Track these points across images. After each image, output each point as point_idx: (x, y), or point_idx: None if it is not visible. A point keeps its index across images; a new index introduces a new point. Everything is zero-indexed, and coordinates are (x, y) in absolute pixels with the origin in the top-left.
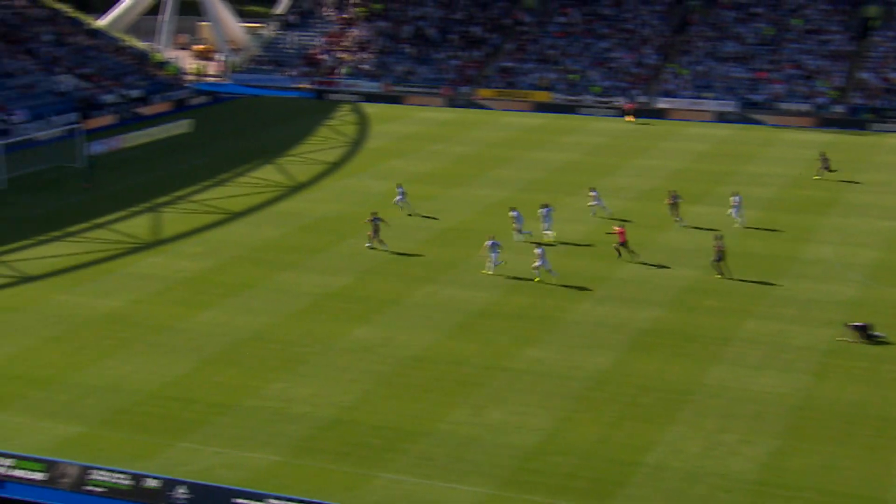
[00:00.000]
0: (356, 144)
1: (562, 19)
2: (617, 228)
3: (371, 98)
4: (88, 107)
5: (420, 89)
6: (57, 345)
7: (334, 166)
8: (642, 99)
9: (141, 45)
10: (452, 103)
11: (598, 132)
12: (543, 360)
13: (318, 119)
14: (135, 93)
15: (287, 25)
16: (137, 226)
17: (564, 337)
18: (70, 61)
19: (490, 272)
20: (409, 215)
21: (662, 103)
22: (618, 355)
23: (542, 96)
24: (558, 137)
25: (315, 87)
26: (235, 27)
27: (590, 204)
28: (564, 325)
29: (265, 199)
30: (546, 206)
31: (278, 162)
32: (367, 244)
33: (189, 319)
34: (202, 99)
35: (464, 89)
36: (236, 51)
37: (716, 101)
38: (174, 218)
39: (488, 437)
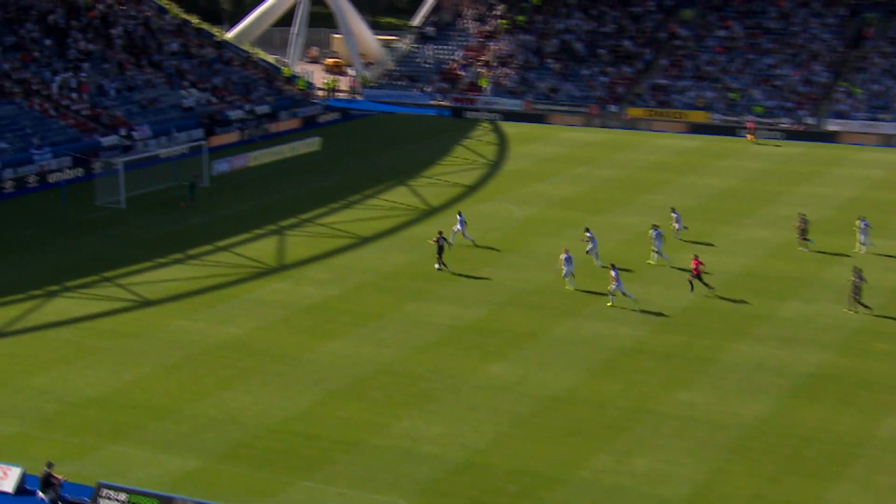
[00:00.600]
0: (494, 166)
1: (722, 33)
2: (694, 261)
3: (511, 116)
4: (214, 123)
5: (565, 108)
6: (175, 373)
7: (470, 189)
8: (810, 121)
9: (270, 58)
10: (600, 123)
11: (760, 156)
12: (695, 404)
13: (454, 138)
14: (262, 109)
15: (424, 38)
16: (261, 249)
17: (718, 380)
18: (196, 75)
19: (571, 288)
20: (475, 245)
21: (833, 125)
22: (778, 402)
23: (699, 116)
24: (715, 161)
25: (452, 104)
26: (369, 40)
27: (673, 226)
28: (718, 367)
29: (396, 223)
30: (656, 227)
31: (411, 184)
32: (437, 266)
33: (313, 349)
34: (332, 116)
35: (612, 108)
36: (369, 65)
37: (893, 124)
38: (300, 241)
39: (633, 487)
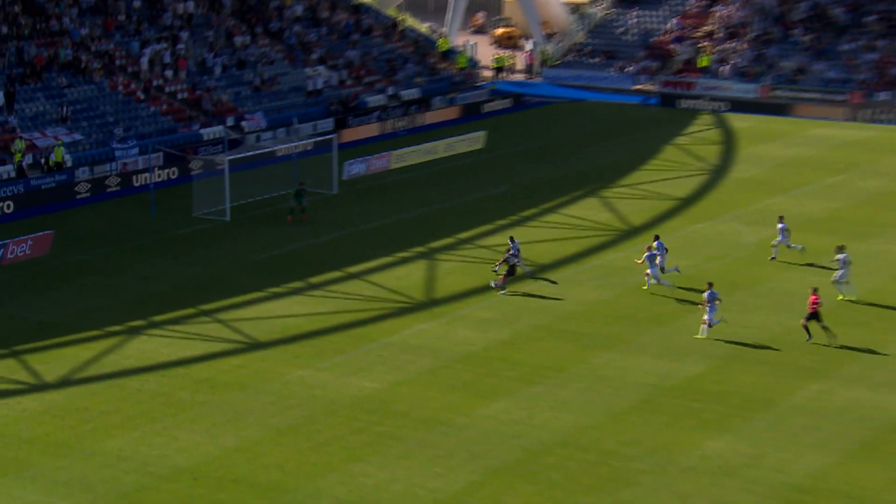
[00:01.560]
0: (717, 173)
1: None
2: (812, 297)
3: (742, 106)
4: (347, 111)
5: (816, 95)
6: (291, 438)
7: (684, 203)
8: None
9: (422, 27)
10: (864, 116)
11: None
12: None
13: (663, 135)
14: (410, 93)
15: (625, 1)
16: (404, 278)
17: None
18: (326, 48)
19: (647, 287)
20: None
21: None
22: None
23: None
24: None
25: (661, 89)
26: (553, 4)
27: (773, 244)
28: None
29: (582, 247)
30: (841, 249)
31: (604, 195)
32: (496, 284)
33: (470, 412)
34: (502, 103)
35: (882, 96)
36: (552, 36)
37: None
38: (455, 268)
39: None
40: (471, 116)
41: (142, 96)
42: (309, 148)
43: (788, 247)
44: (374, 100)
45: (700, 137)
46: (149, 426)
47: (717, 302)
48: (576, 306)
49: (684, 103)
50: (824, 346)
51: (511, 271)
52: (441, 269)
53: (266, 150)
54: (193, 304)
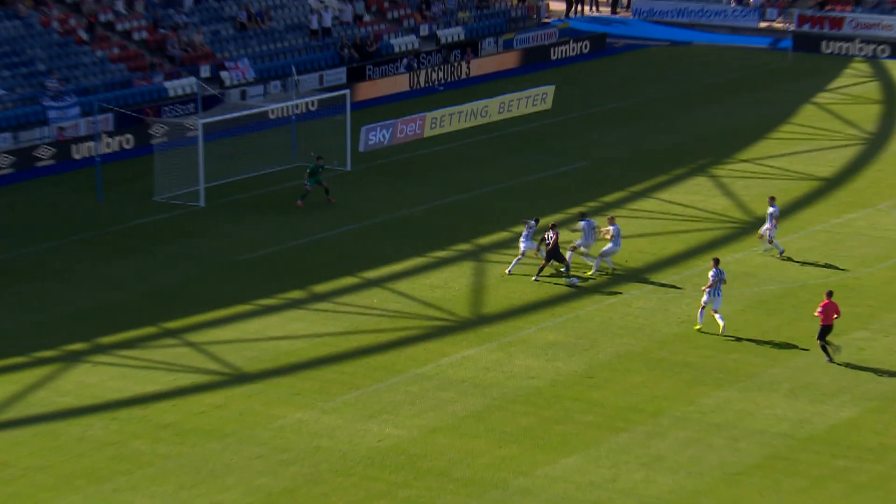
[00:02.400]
0: (875, 144)
1: None
2: (820, 307)
3: None
4: (365, 58)
5: None
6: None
7: (829, 185)
8: None
9: None
10: None
11: None
12: None
13: (799, 91)
14: (451, 33)
15: None
16: (443, 286)
17: None
18: None
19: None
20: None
21: None
22: None
23: None
24: None
25: (798, 27)
26: None
27: (760, 233)
28: None
29: (685, 245)
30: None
31: (717, 174)
32: (570, 283)
33: (531, 471)
34: (577, 47)
35: None
36: None
37: None
38: (506, 273)
39: None
40: (534, 65)
41: (84, 36)
42: (313, 108)
43: (770, 241)
44: (403, 42)
45: (850, 94)
46: (93, 488)
47: (723, 284)
48: (677, 326)
49: (829, 47)
50: None
51: (551, 254)
52: (493, 275)
53: (254, 110)
54: (154, 320)
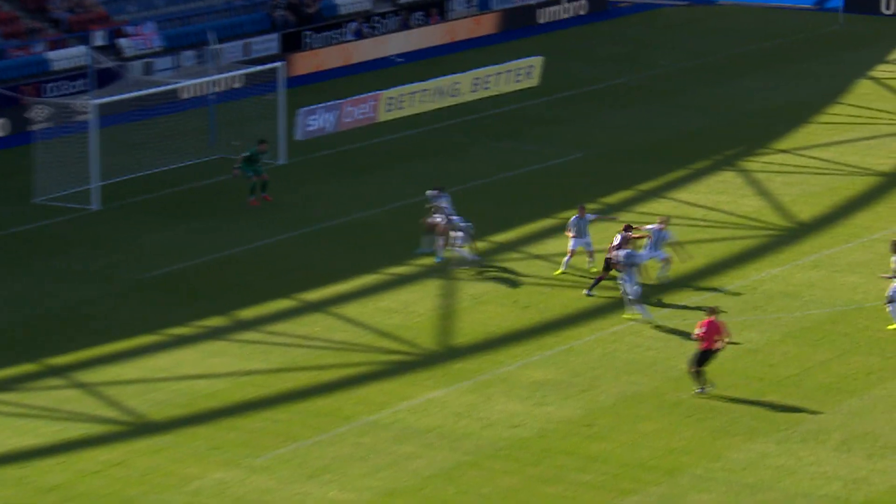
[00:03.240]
0: None
1: None
2: (699, 326)
3: None
4: (302, 21)
5: None
6: None
7: (889, 182)
8: None
9: None
10: None
11: None
12: None
13: (852, 63)
14: None
15: None
16: (402, 310)
17: None
18: None
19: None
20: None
21: None
22: None
23: None
24: None
25: None
26: None
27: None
28: None
29: (713, 256)
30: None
31: (749, 167)
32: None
33: None
34: (571, 7)
35: None
36: None
37: None
38: (491, 295)
39: None
40: (517, 31)
41: None
42: (236, 85)
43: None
44: (350, 1)
45: None
46: None
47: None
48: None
49: (891, 6)
50: None
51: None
52: (465, 296)
53: (162, 88)
54: (35, 355)
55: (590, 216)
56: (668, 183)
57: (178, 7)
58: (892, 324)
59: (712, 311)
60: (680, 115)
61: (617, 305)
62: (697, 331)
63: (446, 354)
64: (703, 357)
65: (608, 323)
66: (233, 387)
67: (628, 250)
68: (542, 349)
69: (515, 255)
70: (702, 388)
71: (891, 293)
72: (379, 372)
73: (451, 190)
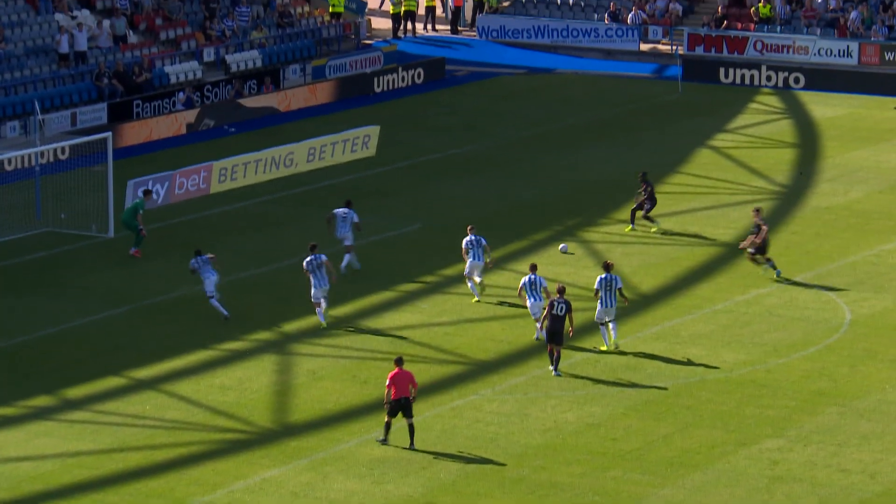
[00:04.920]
0: (788, 198)
1: None
2: (389, 378)
3: (830, 81)
4: (131, 90)
5: None
6: None
7: (729, 253)
8: None
9: None
10: None
11: None
12: None
13: (692, 132)
14: (245, 58)
15: None
16: (210, 388)
17: None
18: None
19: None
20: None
21: None
22: None
23: None
24: None
25: (689, 51)
26: None
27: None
28: None
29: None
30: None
31: (587, 237)
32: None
33: None
34: (408, 76)
35: None
36: None
37: None
38: (319, 367)
39: None
40: (353, 100)
41: None
42: (63, 157)
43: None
44: (181, 70)
45: (756, 135)
46: None
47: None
48: (541, 436)
49: (729, 75)
50: None
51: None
52: (301, 371)
53: None
54: None
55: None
56: (508, 254)
57: (1, 76)
58: None
59: (399, 361)
60: (518, 184)
61: (457, 379)
62: (388, 382)
63: (282, 432)
64: (396, 407)
65: (448, 398)
66: (60, 469)
67: None
68: (380, 426)
69: (352, 329)
70: (384, 440)
71: None
72: (213, 451)
73: (284, 264)
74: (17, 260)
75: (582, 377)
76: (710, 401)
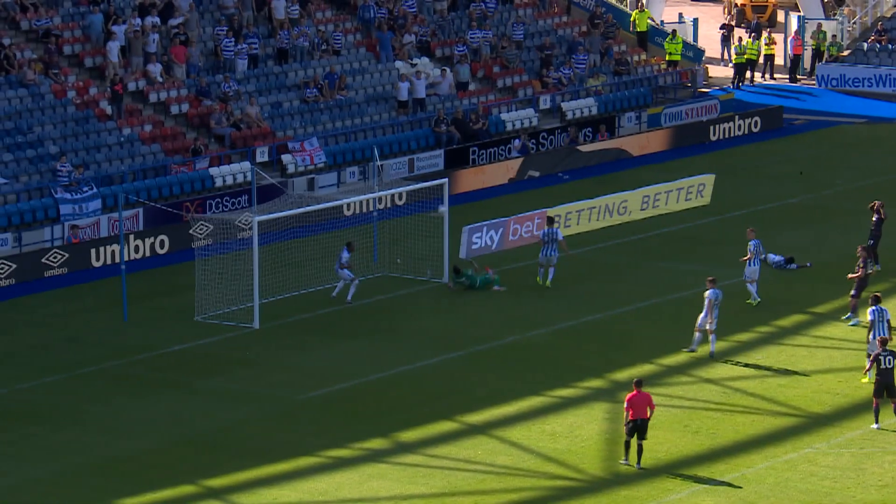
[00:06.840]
0: None
1: None
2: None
3: None
4: (468, 137)
5: None
6: None
7: None
8: None
9: None
10: None
11: None
12: None
13: None
14: (580, 106)
15: None
16: (541, 434)
17: None
18: (431, 28)
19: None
20: None
21: None
22: None
23: None
24: None
25: None
26: None
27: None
28: None
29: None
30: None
31: None
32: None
33: None
34: (745, 124)
35: None
36: (836, 8)
37: None
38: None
39: None
40: (689, 148)
41: (108, 110)
42: (399, 203)
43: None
44: (517, 117)
45: None
46: None
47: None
48: None
49: None
50: None
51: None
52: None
53: (325, 204)
54: (192, 476)
55: None
56: (837, 308)
57: (342, 123)
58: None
59: (638, 383)
60: (851, 234)
61: (791, 432)
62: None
63: (613, 480)
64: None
65: (782, 450)
66: None
67: None
68: (711, 475)
69: (686, 379)
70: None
71: None
72: (544, 498)
73: (616, 311)
74: (355, 303)
75: None
76: None
